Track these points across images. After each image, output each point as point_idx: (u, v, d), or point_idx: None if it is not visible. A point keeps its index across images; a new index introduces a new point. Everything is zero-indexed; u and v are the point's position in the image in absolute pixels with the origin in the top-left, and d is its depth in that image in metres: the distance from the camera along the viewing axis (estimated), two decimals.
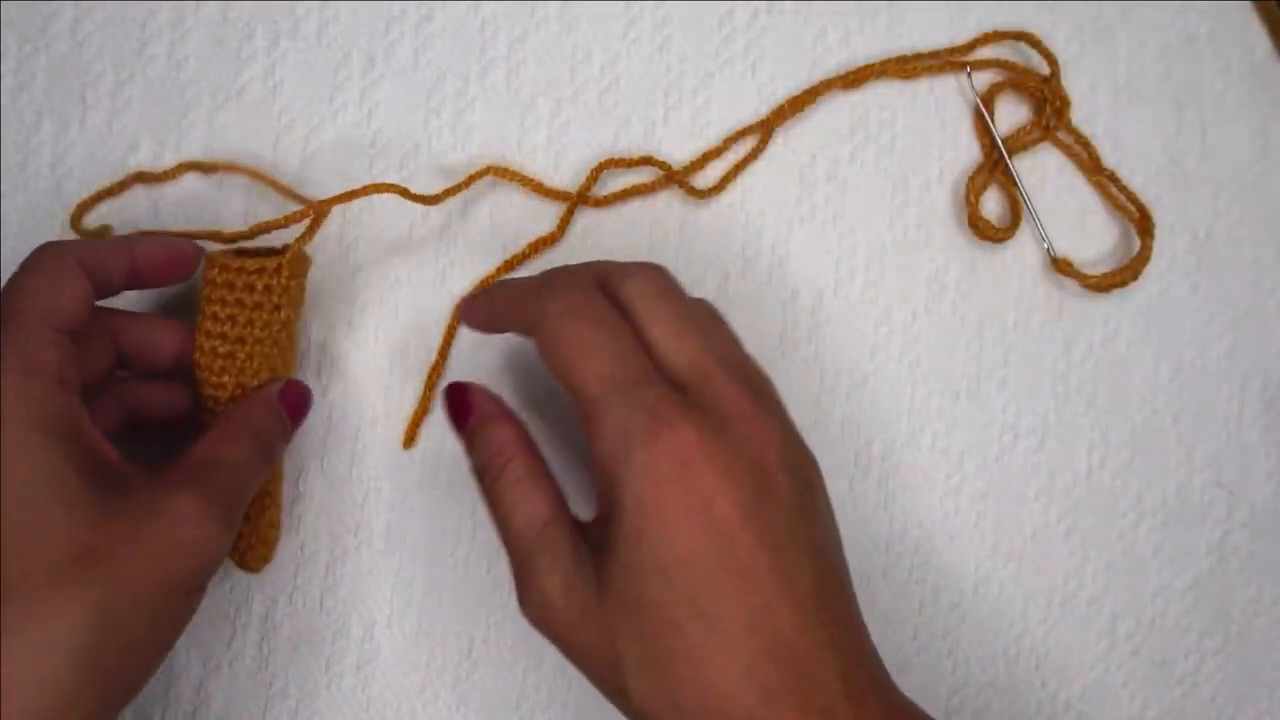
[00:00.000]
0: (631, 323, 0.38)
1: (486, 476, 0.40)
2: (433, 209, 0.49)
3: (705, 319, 0.40)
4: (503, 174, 0.49)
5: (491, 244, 0.50)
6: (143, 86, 0.49)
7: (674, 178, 0.50)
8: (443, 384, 0.47)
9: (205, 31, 0.49)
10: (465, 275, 0.49)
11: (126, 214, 0.48)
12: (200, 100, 0.49)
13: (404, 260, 0.49)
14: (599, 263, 0.41)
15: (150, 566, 0.35)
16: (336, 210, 0.49)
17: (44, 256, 0.39)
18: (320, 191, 0.49)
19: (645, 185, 0.50)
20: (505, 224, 0.50)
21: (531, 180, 0.49)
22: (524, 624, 0.48)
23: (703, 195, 0.51)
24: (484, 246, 0.50)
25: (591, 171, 0.50)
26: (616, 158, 0.50)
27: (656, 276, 0.40)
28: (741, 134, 0.51)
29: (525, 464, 0.40)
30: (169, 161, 0.48)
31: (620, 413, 0.36)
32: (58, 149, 0.48)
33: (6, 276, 0.47)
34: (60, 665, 0.33)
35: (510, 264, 0.49)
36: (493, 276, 0.49)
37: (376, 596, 0.48)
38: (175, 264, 0.43)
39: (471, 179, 0.48)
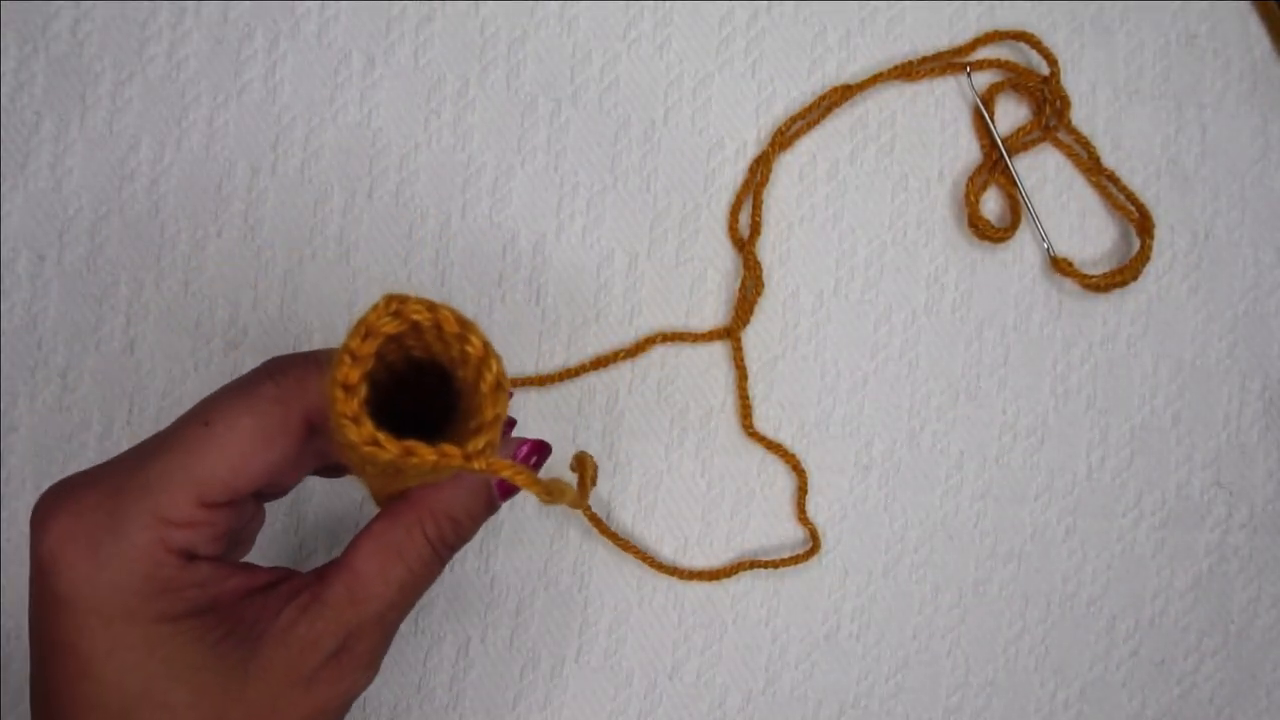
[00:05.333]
0: None
1: None
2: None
3: None
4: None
5: (489, 247, 0.50)
6: (143, 86, 0.49)
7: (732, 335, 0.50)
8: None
9: (205, 31, 0.49)
10: (464, 274, 0.50)
11: (127, 214, 0.48)
12: (200, 100, 0.49)
13: (403, 263, 0.49)
14: None
15: None
16: (335, 212, 0.49)
17: (250, 399, 0.33)
18: (322, 193, 0.49)
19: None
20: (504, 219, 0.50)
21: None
22: (520, 623, 0.48)
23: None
24: (480, 254, 0.50)
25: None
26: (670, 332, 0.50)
27: None
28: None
29: None
30: (169, 161, 0.48)
31: None
32: (58, 149, 0.48)
33: (5, 276, 0.47)
34: None
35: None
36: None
37: None
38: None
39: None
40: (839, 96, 0.52)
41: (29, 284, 0.47)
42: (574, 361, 0.50)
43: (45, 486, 0.47)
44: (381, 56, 0.50)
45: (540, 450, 0.38)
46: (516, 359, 0.50)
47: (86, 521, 0.31)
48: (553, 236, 0.50)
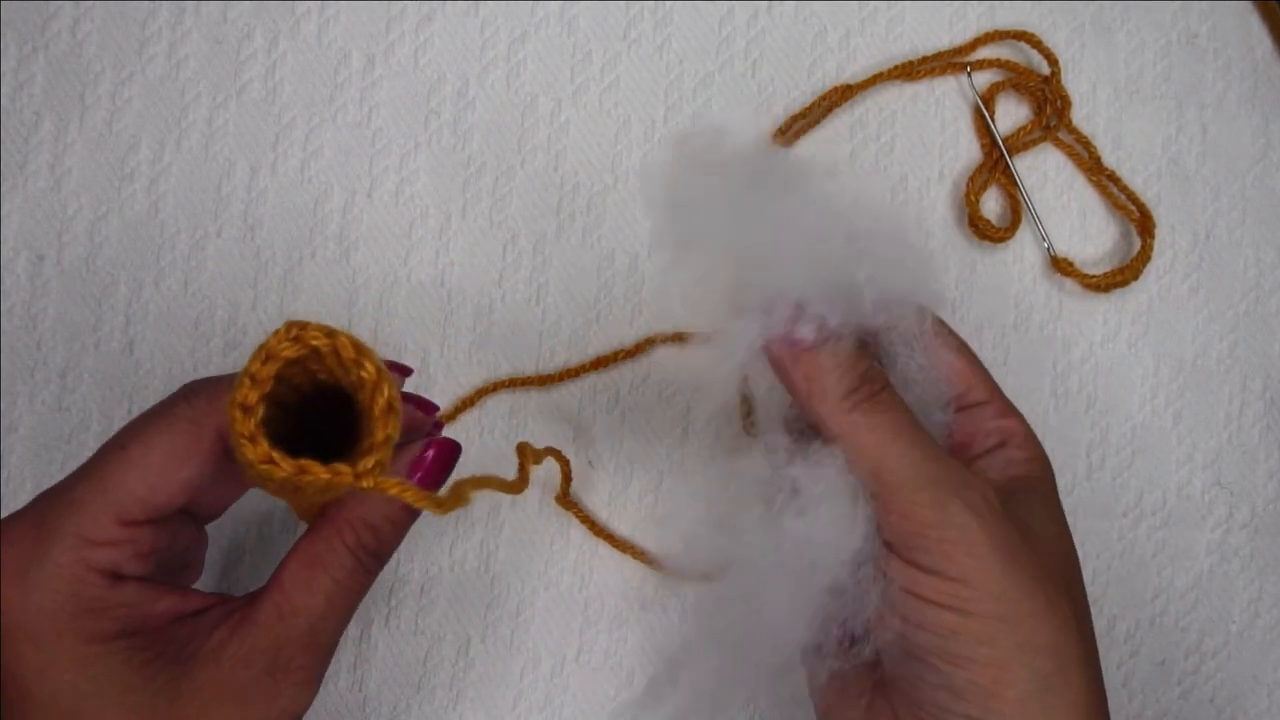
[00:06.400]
0: None
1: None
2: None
3: None
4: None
5: (494, 238, 0.50)
6: (142, 86, 0.49)
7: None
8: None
9: (205, 31, 0.49)
10: (464, 274, 0.49)
11: (126, 214, 0.48)
12: (200, 100, 0.49)
13: (403, 262, 0.49)
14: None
15: None
16: (335, 212, 0.49)
17: (164, 420, 0.34)
18: (322, 192, 0.49)
19: None
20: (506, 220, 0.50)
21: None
22: (521, 623, 0.48)
23: None
24: (480, 254, 0.50)
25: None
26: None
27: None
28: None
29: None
30: (168, 161, 0.48)
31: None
32: (57, 149, 0.48)
33: (5, 276, 0.47)
34: None
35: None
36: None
37: (373, 595, 0.48)
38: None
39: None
40: (839, 96, 0.52)
41: (29, 284, 0.47)
42: (575, 361, 0.50)
43: (45, 486, 0.47)
44: (381, 56, 0.50)
45: (447, 452, 0.37)
46: (517, 359, 0.50)
47: (13, 550, 0.33)
48: (553, 236, 0.50)
